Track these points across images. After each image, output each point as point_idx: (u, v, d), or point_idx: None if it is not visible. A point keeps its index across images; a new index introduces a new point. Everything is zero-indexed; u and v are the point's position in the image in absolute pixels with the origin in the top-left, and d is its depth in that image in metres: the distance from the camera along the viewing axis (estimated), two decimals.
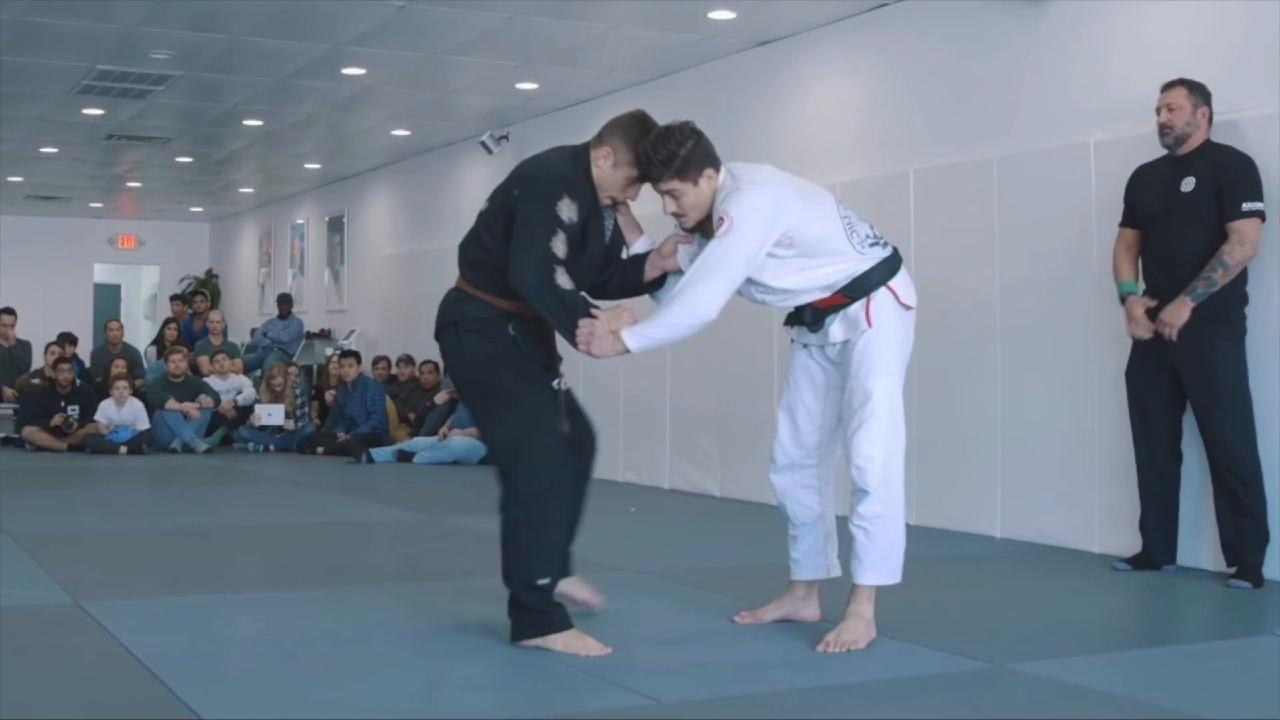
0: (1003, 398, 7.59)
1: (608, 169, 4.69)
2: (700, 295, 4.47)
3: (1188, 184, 6.20)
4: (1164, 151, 6.36)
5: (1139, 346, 6.43)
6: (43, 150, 15.22)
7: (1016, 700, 4.09)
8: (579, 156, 4.73)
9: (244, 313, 20.82)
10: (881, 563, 4.65)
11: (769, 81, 9.70)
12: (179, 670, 4.15)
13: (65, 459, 12.90)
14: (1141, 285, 6.46)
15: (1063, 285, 7.25)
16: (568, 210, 4.54)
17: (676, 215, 4.71)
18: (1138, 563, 6.45)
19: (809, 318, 4.73)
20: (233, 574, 6.31)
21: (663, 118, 4.72)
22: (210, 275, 22.44)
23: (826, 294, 4.66)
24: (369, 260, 16.79)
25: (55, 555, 6.51)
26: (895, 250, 4.78)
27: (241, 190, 18.99)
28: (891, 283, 4.68)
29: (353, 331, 16.67)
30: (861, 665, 4.39)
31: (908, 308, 4.74)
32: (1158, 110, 6.29)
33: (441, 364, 4.98)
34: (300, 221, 19.07)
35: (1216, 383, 6.14)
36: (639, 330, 4.50)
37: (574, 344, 4.50)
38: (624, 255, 4.96)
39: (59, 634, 4.81)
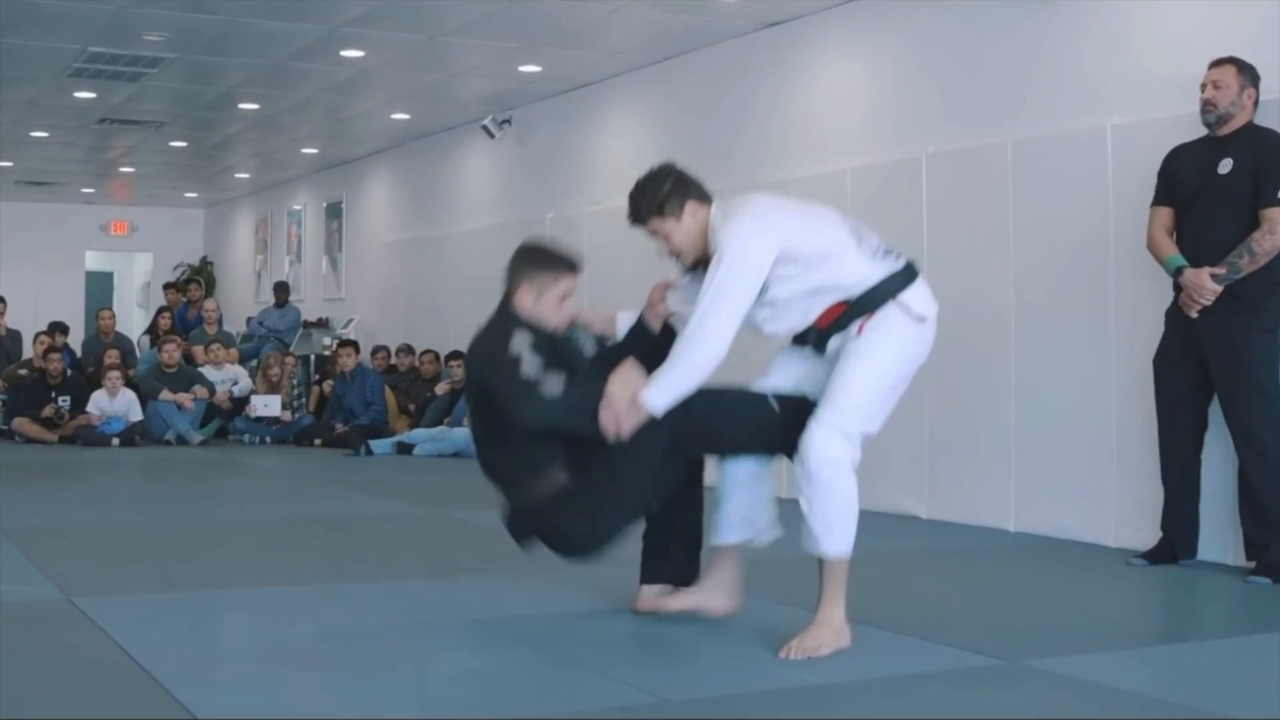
0: (1017, 388, 7.59)
1: (531, 304, 4.79)
2: (710, 328, 4.47)
3: (1225, 165, 6.16)
4: (1199, 133, 6.32)
5: (1169, 333, 6.40)
6: (33, 134, 15.23)
7: (1032, 698, 4.09)
8: (504, 307, 4.82)
9: (240, 301, 20.83)
10: (825, 531, 4.49)
11: (778, 64, 9.69)
12: (173, 668, 4.15)
13: (56, 451, 12.92)
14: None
15: (1079, 272, 7.24)
16: (519, 343, 4.59)
17: (673, 255, 4.78)
18: (1154, 557, 6.44)
19: (814, 340, 4.69)
20: (228, 569, 6.31)
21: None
22: (205, 263, 22.45)
23: (829, 305, 4.61)
24: (368, 247, 16.79)
25: (46, 550, 6.51)
26: (910, 263, 4.71)
27: (237, 175, 18.99)
28: (902, 295, 4.60)
29: (351, 320, 16.68)
30: (872, 662, 4.39)
31: (921, 318, 4.63)
32: (1202, 86, 6.23)
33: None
34: (297, 207, 19.07)
35: (1245, 373, 6.11)
36: (657, 386, 4.52)
37: (593, 430, 4.52)
38: (619, 338, 5.06)
39: (50, 631, 4.81)
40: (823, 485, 4.47)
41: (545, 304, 4.80)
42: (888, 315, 4.57)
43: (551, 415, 4.53)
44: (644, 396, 4.49)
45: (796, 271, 4.55)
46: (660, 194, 4.69)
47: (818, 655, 4.42)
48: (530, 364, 4.54)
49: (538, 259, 4.88)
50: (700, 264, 4.69)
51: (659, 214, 4.70)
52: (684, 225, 4.69)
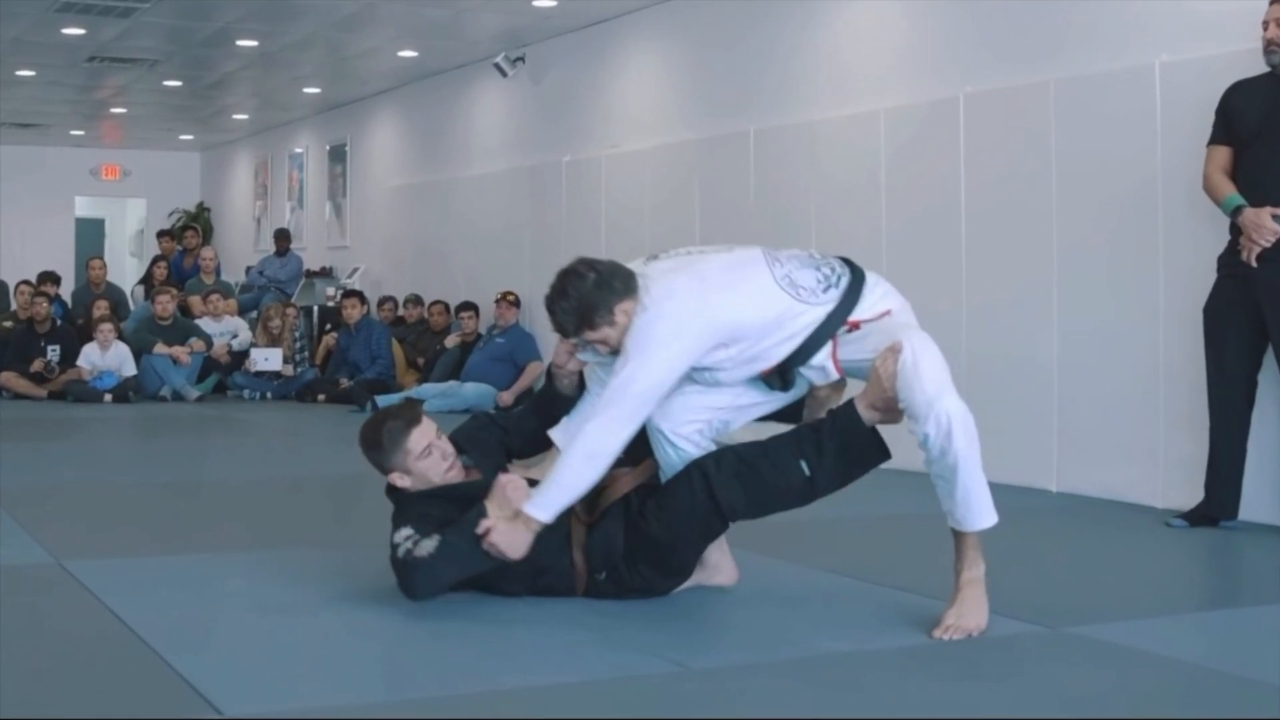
0: (1059, 341, 7.55)
1: (412, 482, 4.74)
2: (602, 436, 4.38)
3: None
4: (1251, 71, 6.27)
5: (1222, 281, 6.35)
6: (19, 74, 15.21)
7: (1074, 665, 4.07)
8: (397, 503, 4.78)
9: (238, 249, 20.84)
10: (987, 497, 4.36)
11: None
12: (168, 635, 4.16)
13: (45, 407, 12.96)
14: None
15: (1126, 218, 7.19)
16: (398, 533, 4.52)
17: (616, 353, 4.53)
18: (1195, 518, 6.41)
19: (778, 385, 4.57)
20: (225, 532, 6.32)
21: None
22: (202, 209, 22.45)
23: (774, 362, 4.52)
24: (373, 193, 16.77)
25: (35, 511, 6.53)
26: (852, 277, 4.53)
27: (235, 117, 18.97)
28: (851, 318, 4.46)
29: (356, 269, 16.68)
30: (907, 628, 4.37)
31: (884, 315, 4.51)
32: (1264, 24, 6.16)
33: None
34: (299, 151, 19.05)
35: None
36: (541, 499, 4.39)
37: (493, 563, 4.45)
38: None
39: (39, 595, 4.82)
40: (976, 453, 4.32)
41: (421, 470, 4.73)
42: (851, 335, 4.47)
43: (435, 576, 4.43)
44: (528, 511, 4.39)
45: (740, 348, 4.45)
46: (583, 306, 4.41)
47: (983, 630, 4.29)
48: (406, 539, 4.48)
49: (378, 444, 4.80)
50: None
51: (590, 326, 4.43)
52: (619, 326, 4.42)
